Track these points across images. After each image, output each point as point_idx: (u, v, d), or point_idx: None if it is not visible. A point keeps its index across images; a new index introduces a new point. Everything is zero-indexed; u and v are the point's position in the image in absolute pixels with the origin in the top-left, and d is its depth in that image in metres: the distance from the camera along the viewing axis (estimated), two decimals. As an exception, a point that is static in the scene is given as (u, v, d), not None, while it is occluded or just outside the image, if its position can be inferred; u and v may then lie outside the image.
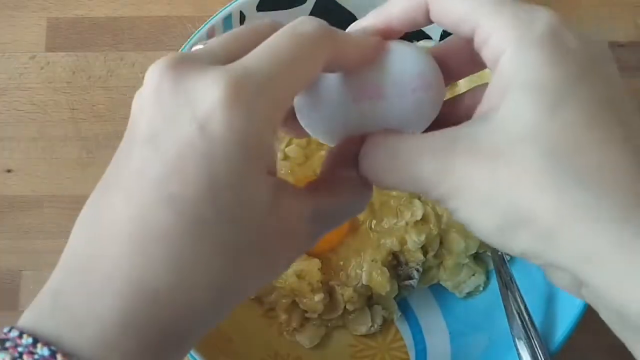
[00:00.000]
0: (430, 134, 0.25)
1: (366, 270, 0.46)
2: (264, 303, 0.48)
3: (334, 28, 0.25)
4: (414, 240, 0.46)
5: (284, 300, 0.47)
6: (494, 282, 0.47)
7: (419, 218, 0.46)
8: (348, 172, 0.27)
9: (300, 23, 0.24)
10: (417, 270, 0.47)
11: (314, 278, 0.46)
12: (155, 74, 0.23)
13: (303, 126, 0.28)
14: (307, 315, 0.47)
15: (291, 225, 0.24)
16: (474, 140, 0.24)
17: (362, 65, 0.26)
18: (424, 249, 0.47)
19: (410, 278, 0.47)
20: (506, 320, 0.41)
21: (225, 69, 0.23)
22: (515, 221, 0.23)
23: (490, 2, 0.25)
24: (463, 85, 0.44)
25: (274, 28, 0.25)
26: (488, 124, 0.24)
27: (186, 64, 0.23)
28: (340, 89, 0.27)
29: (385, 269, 0.46)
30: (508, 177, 0.23)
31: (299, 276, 0.46)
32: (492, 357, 0.44)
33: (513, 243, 0.23)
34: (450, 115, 0.29)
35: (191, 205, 0.22)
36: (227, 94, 0.22)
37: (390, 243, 0.46)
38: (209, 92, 0.22)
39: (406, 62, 0.27)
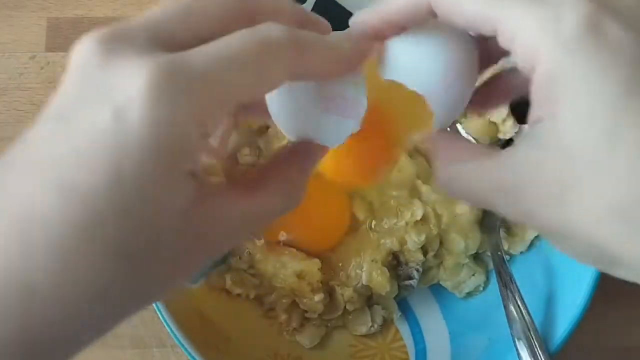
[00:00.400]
0: (495, 163, 0.24)
1: (366, 270, 0.46)
2: (264, 303, 0.48)
3: (305, 34, 0.23)
4: (414, 240, 0.46)
5: (284, 300, 0.47)
6: (494, 282, 0.47)
7: (419, 218, 0.46)
8: (290, 171, 0.26)
9: (265, 26, 0.22)
10: (417, 270, 0.47)
11: (314, 278, 0.46)
12: (85, 50, 0.21)
13: (271, 116, 0.27)
14: (307, 315, 0.47)
15: (211, 230, 0.23)
16: (535, 167, 0.22)
17: (333, 78, 0.25)
18: (424, 249, 0.47)
19: (410, 278, 0.47)
20: (506, 320, 0.41)
21: (158, 58, 0.21)
22: (605, 260, 0.22)
23: None
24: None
25: (244, 6, 0.23)
26: (544, 148, 0.22)
27: (120, 44, 0.21)
28: (311, 97, 0.26)
29: (385, 269, 0.46)
30: (579, 215, 0.21)
31: (299, 276, 0.46)
32: (492, 357, 0.43)
33: (615, 273, 0.23)
34: (490, 96, 0.28)
35: (85, 195, 0.19)
36: (152, 83, 0.20)
37: (390, 243, 0.46)
38: (134, 79, 0.20)
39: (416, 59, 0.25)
